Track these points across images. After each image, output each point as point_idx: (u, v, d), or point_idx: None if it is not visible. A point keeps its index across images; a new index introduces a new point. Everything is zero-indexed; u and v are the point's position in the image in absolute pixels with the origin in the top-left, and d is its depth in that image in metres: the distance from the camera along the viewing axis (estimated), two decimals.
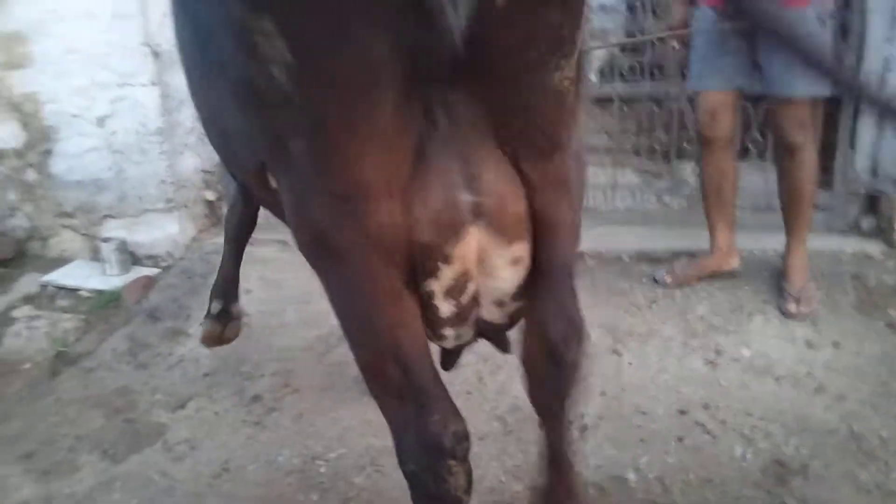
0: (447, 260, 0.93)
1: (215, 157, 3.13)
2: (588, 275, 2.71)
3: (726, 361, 2.27)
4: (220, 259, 2.18)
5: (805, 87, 2.26)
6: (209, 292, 2.20)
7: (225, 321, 2.17)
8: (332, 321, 1.03)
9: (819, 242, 2.69)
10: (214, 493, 1.87)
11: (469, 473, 1.01)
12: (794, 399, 2.09)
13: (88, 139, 3.15)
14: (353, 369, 1.08)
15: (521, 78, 0.86)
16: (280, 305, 2.80)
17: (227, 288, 2.17)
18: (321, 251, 0.95)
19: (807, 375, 2.16)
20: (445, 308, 0.99)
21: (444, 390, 1.00)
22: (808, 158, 2.37)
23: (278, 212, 1.10)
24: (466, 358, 1.91)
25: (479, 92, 0.85)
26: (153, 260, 3.25)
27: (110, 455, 2.05)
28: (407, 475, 1.02)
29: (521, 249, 0.99)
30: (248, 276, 2.62)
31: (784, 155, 2.41)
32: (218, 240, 2.85)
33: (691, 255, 2.71)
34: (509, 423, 2.06)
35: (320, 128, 0.82)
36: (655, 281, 2.66)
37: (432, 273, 0.94)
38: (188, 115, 3.17)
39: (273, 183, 1.00)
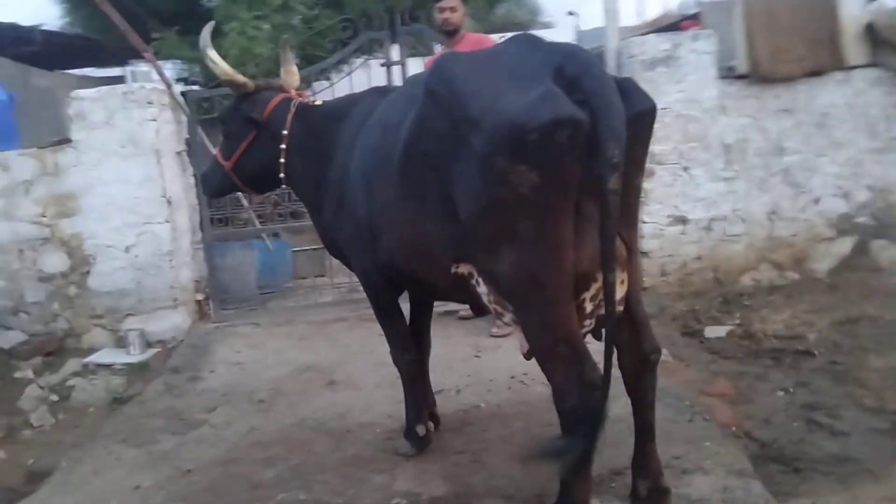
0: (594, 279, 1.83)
1: (205, 270, 4.97)
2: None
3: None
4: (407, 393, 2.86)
5: None
6: None
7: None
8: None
9: None
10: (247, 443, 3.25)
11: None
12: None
13: (118, 261, 4.66)
14: None
15: (630, 185, 1.83)
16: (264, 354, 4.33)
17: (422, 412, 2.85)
18: (533, 283, 1.78)
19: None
20: (588, 307, 1.90)
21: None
22: None
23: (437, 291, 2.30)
24: None
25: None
26: (162, 343, 4.68)
27: (173, 432, 3.40)
28: (566, 411, 1.83)
29: (623, 275, 1.92)
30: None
31: None
32: (205, 326, 4.85)
33: None
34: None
35: (548, 219, 1.71)
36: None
37: (586, 287, 1.86)
38: (187, 242, 4.90)
39: (461, 269, 1.98)
